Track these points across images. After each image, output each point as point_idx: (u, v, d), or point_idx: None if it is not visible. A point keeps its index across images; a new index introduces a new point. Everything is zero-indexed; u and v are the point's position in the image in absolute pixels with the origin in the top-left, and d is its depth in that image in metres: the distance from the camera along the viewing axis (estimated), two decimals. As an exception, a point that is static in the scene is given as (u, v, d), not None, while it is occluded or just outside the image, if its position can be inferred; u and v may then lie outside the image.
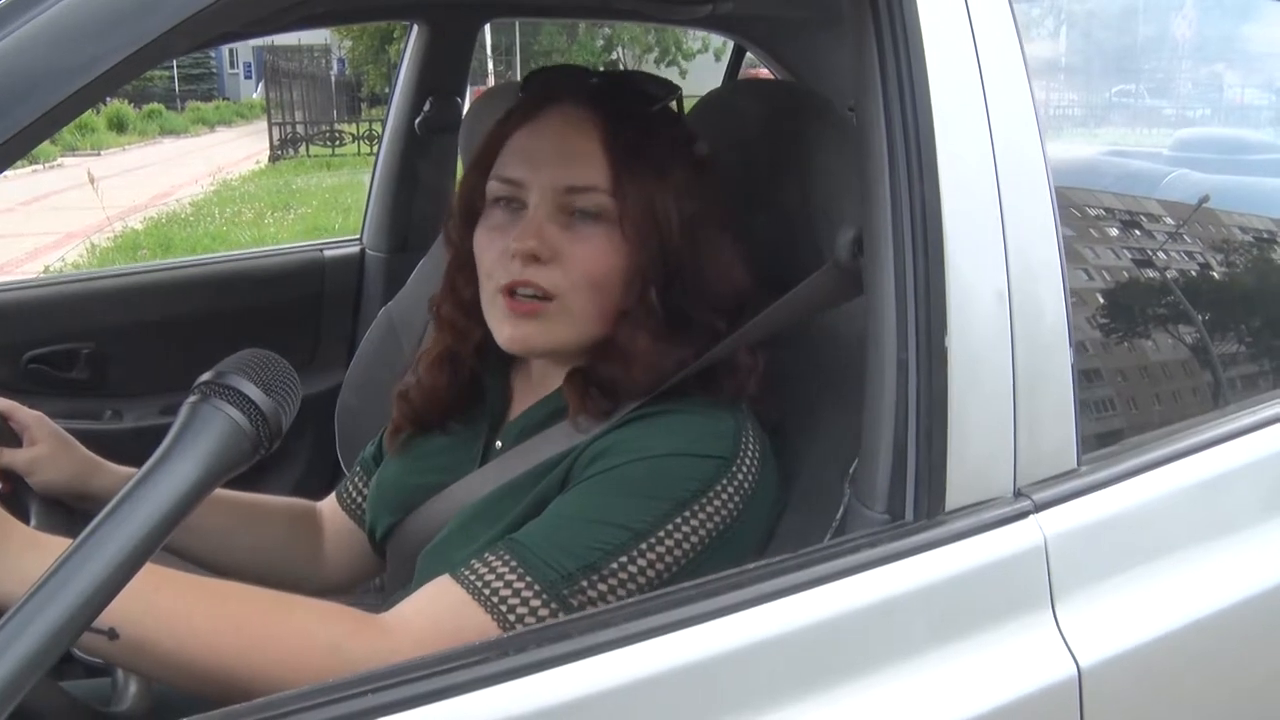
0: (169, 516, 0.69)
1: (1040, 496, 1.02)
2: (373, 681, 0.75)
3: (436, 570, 1.02)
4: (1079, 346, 1.08)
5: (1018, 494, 1.01)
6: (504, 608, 0.97)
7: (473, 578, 0.98)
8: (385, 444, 1.33)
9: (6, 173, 0.72)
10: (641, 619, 0.85)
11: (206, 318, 2.23)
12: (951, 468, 0.97)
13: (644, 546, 1.00)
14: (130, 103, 24.54)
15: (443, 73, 2.37)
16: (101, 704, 0.99)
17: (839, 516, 1.04)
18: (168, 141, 23.11)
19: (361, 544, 1.33)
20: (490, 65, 18.66)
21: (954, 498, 0.97)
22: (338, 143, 18.02)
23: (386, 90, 2.51)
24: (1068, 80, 1.67)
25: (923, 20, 0.97)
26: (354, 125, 18.70)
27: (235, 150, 19.86)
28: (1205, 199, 1.59)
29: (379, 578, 1.38)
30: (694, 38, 18.52)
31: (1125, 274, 1.37)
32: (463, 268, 1.20)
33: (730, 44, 2.76)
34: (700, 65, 17.68)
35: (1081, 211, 1.34)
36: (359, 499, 1.35)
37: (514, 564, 0.98)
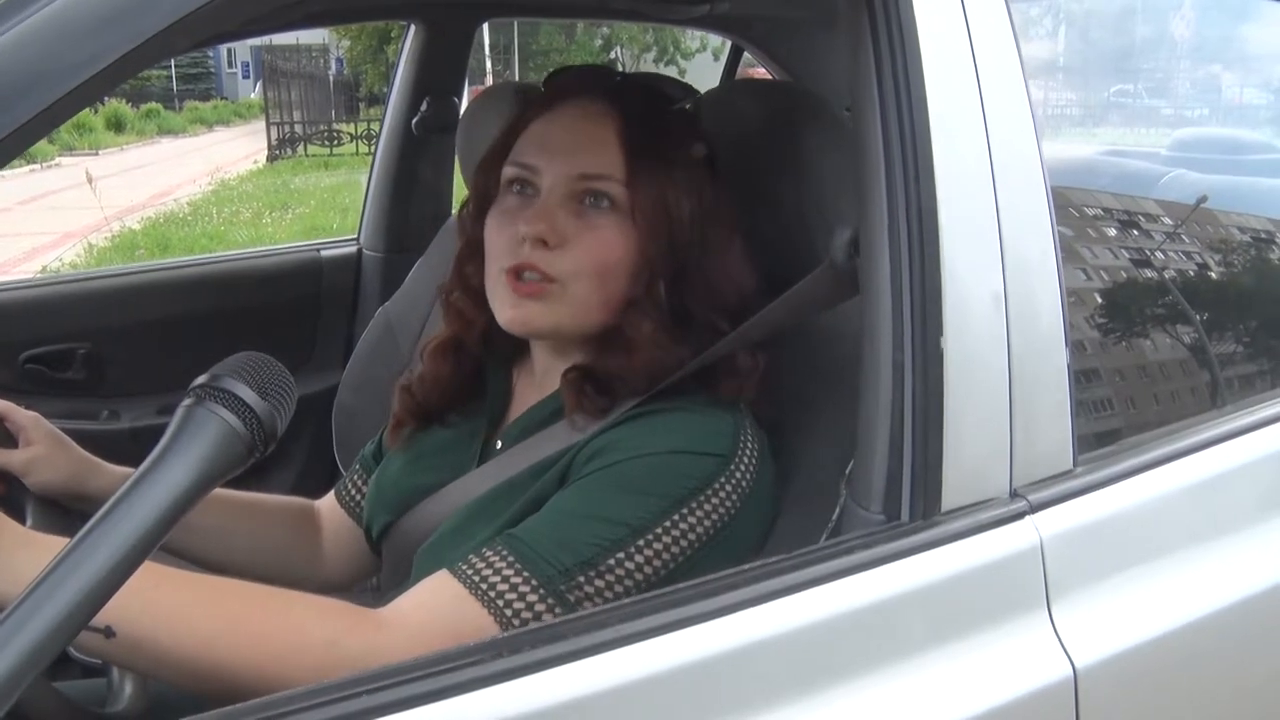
0: (163, 520, 0.69)
1: (1036, 497, 1.02)
2: (369, 682, 0.75)
3: (433, 568, 1.02)
4: (1075, 347, 1.08)
5: (1013, 495, 1.01)
6: (501, 603, 0.97)
7: (470, 573, 0.98)
8: (386, 440, 1.33)
9: (4, 172, 0.73)
10: (638, 619, 0.85)
11: (203, 318, 2.23)
12: (947, 468, 0.97)
13: (641, 543, 1.00)
14: (128, 102, 24.51)
15: (440, 72, 2.36)
16: (97, 704, 0.99)
17: (835, 517, 1.04)
18: (166, 141, 23.10)
19: (360, 542, 1.33)
20: (489, 65, 18.65)
21: (950, 498, 0.97)
22: (336, 142, 18.01)
23: (385, 90, 2.50)
24: (1065, 80, 1.68)
25: (919, 21, 0.97)
26: (352, 125, 18.70)
27: (233, 150, 19.85)
28: (1203, 199, 1.59)
29: (375, 577, 1.39)
30: (692, 37, 18.52)
31: (1121, 274, 1.38)
32: (473, 256, 1.20)
33: (728, 44, 2.76)
34: (699, 65, 17.69)
35: (1078, 212, 1.34)
36: (358, 497, 1.36)
37: (512, 559, 0.99)
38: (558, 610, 0.97)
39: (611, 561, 0.99)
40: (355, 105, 21.90)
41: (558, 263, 1.09)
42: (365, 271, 2.43)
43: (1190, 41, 1.84)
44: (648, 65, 20.36)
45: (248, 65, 35.83)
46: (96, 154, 18.41)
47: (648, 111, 1.15)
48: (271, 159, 17.40)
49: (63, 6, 0.68)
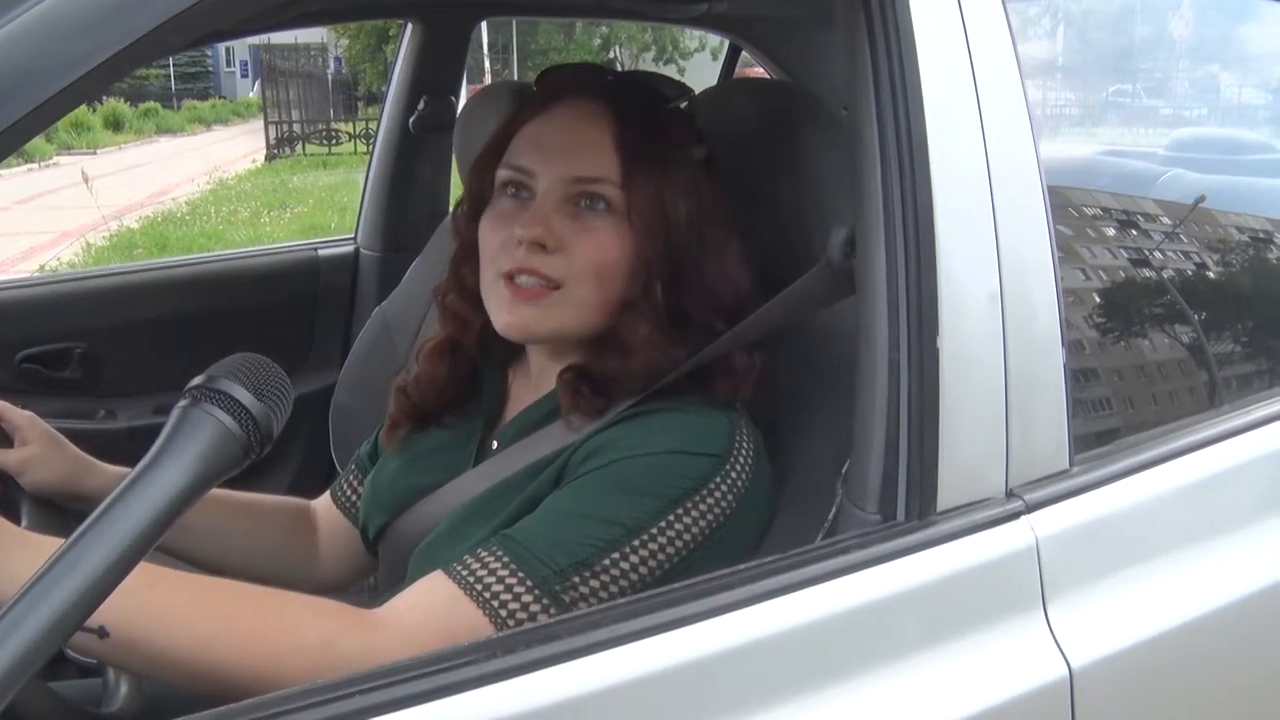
0: (158, 522, 0.69)
1: (1032, 497, 1.02)
2: (362, 682, 0.75)
3: (429, 569, 1.02)
4: (1072, 346, 1.08)
5: (1010, 494, 1.01)
6: (496, 603, 0.97)
7: (465, 573, 0.98)
8: (382, 441, 1.33)
9: (1, 171, 0.73)
10: (633, 619, 0.85)
11: (200, 317, 2.22)
12: (943, 468, 0.97)
13: (636, 543, 1.00)
14: (126, 101, 24.51)
15: (437, 71, 2.36)
16: (93, 705, 0.99)
17: (831, 516, 1.04)
18: (164, 140, 23.09)
19: (356, 543, 1.33)
20: (487, 64, 18.64)
21: (946, 498, 0.97)
22: (334, 141, 18.01)
23: (383, 89, 2.50)
24: (1063, 80, 1.67)
25: (915, 20, 0.97)
26: (350, 124, 18.69)
27: (231, 149, 19.84)
28: (1201, 199, 1.59)
29: (372, 577, 1.38)
30: (691, 36, 18.52)
31: (1119, 274, 1.37)
32: (469, 257, 1.20)
33: (727, 43, 2.76)
34: (697, 64, 17.69)
35: (1075, 211, 1.34)
36: (354, 497, 1.36)
37: (507, 559, 0.98)
38: (553, 611, 0.97)
39: (606, 562, 0.99)
40: (354, 104, 21.89)
41: (555, 266, 1.09)
42: (362, 271, 2.42)
43: (1189, 41, 1.84)
44: (646, 64, 20.35)
45: (246, 64, 35.79)
46: (94, 153, 18.40)
47: (643, 112, 1.15)
48: (270, 158, 17.40)
49: (55, 4, 0.68)
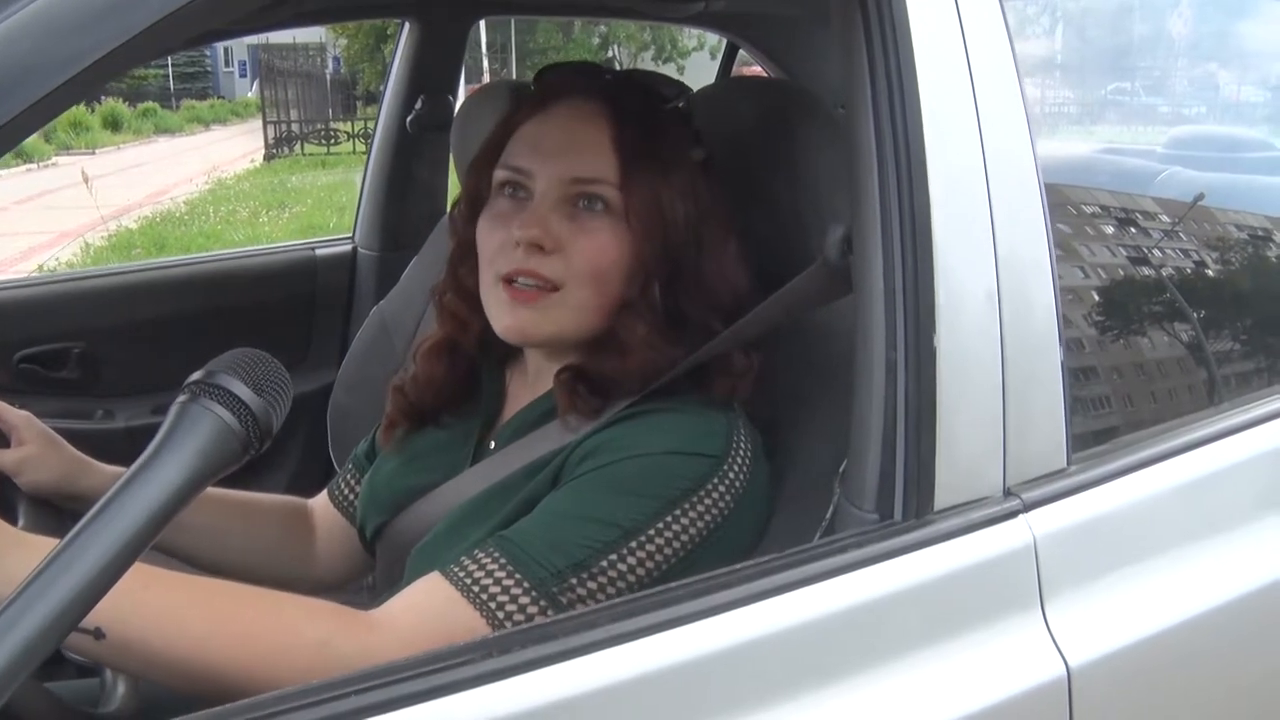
0: (157, 517, 0.69)
1: (1030, 496, 1.01)
2: (358, 682, 0.75)
3: (427, 569, 1.02)
4: (1069, 344, 1.08)
5: (1007, 493, 1.01)
6: (493, 605, 0.96)
7: (462, 575, 0.98)
8: (379, 440, 1.33)
9: (0, 171, 0.72)
10: (629, 619, 0.84)
11: (198, 317, 2.22)
12: (940, 467, 0.97)
13: (634, 545, 1.00)
14: (125, 101, 24.50)
15: (434, 71, 2.36)
16: (90, 705, 0.99)
17: (829, 515, 1.04)
18: (163, 140, 23.07)
19: (353, 542, 1.32)
20: (486, 63, 18.62)
21: (943, 497, 0.97)
22: (333, 141, 18.01)
23: (382, 88, 2.51)
24: (1061, 78, 1.67)
25: (912, 19, 0.97)
26: (349, 124, 18.69)
27: (230, 149, 19.83)
28: (1200, 196, 1.58)
29: (370, 576, 1.38)
30: (689, 35, 18.52)
31: (1116, 272, 1.37)
32: (466, 257, 1.20)
33: (725, 42, 2.76)
34: (696, 63, 17.69)
35: (1072, 209, 1.34)
36: (351, 496, 1.35)
37: (504, 561, 0.98)
38: (550, 612, 0.97)
39: (604, 563, 0.99)
40: (352, 104, 21.89)
41: (552, 268, 1.09)
42: (360, 270, 2.42)
43: (1187, 39, 1.84)
44: (645, 63, 20.35)
45: (245, 64, 35.75)
46: (93, 153, 18.39)
47: (641, 112, 1.14)
48: (268, 158, 17.39)
49: (50, 2, 0.68)
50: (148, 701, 0.98)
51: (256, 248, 2.81)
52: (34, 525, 1.17)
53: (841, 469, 1.03)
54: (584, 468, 1.05)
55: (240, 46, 32.03)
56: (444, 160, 2.38)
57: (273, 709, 0.73)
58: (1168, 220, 1.56)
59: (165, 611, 0.89)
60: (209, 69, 37.74)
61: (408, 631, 0.94)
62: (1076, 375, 1.12)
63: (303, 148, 17.86)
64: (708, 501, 1.03)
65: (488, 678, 0.77)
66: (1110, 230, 1.42)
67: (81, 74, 0.68)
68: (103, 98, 22.67)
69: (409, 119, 2.34)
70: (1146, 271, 1.45)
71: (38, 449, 1.24)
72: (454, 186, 1.95)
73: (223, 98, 34.45)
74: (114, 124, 22.66)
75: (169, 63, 31.30)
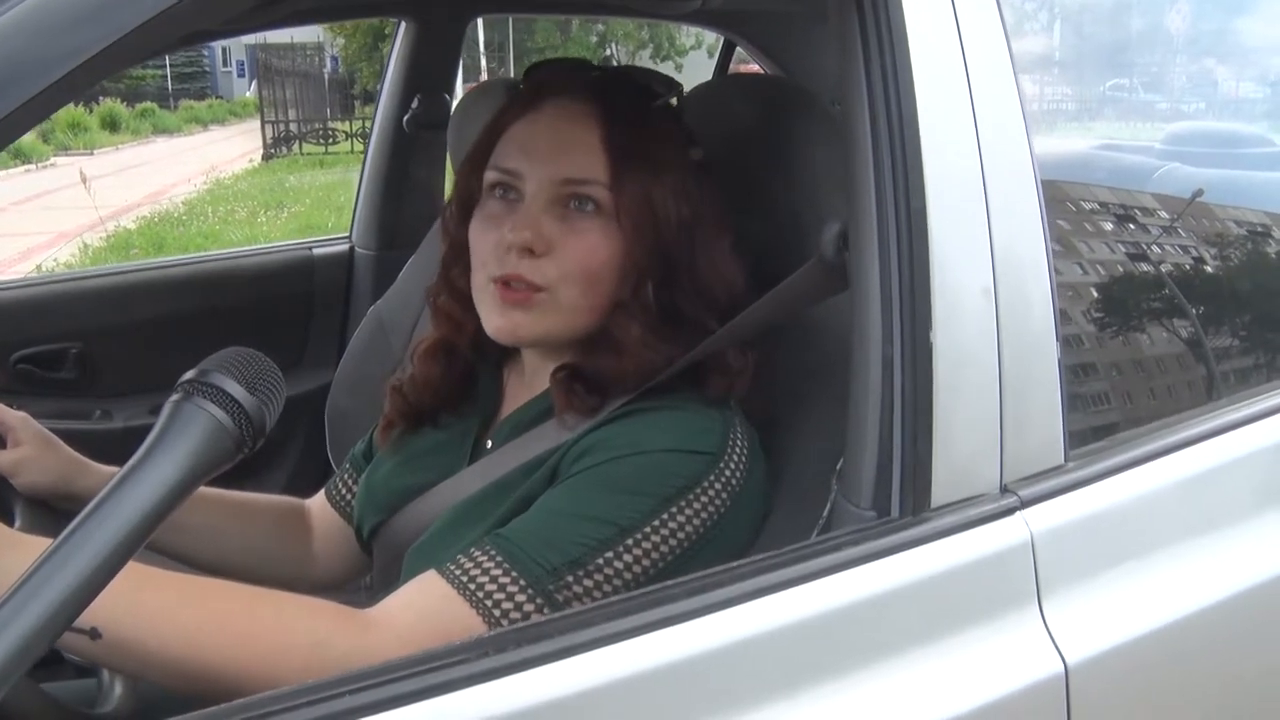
0: (151, 515, 0.69)
1: (1027, 493, 1.01)
2: (352, 682, 0.75)
3: (423, 568, 1.02)
4: (1066, 341, 1.08)
5: (1004, 490, 1.01)
6: (489, 603, 0.96)
7: (458, 573, 0.98)
8: (376, 440, 1.32)
9: (-1, 172, 0.72)
10: (625, 617, 0.84)
11: (195, 316, 2.22)
12: (937, 464, 0.96)
13: (630, 542, 1.00)
14: (123, 102, 24.50)
15: (431, 69, 2.36)
16: (87, 705, 0.99)
17: (826, 513, 1.03)
18: (161, 140, 23.08)
19: (351, 542, 1.32)
20: (484, 62, 18.62)
21: (940, 494, 0.97)
22: (331, 141, 18.02)
23: (379, 88, 2.51)
24: (1058, 74, 1.67)
25: (907, 15, 0.97)
26: (347, 123, 18.69)
27: (228, 149, 19.84)
28: (1199, 193, 1.58)
29: (369, 576, 1.38)
30: (687, 33, 18.51)
31: (1114, 268, 1.37)
32: (459, 259, 1.19)
33: (723, 40, 2.76)
34: (694, 61, 17.68)
35: (1070, 206, 1.33)
36: (348, 496, 1.35)
37: (500, 559, 0.98)
38: (546, 610, 0.96)
39: (600, 561, 0.98)
40: (350, 103, 21.88)
41: (545, 270, 1.08)
42: (357, 269, 2.42)
43: (1185, 35, 1.83)
44: (643, 61, 20.34)
45: (243, 64, 35.73)
46: (91, 154, 18.40)
47: (631, 110, 1.13)
48: (266, 158, 17.39)
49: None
50: (145, 702, 0.98)
51: (253, 247, 2.81)
52: (31, 526, 1.17)
53: (838, 466, 1.03)
54: (580, 466, 1.04)
55: (238, 46, 32.05)
56: (441, 159, 2.38)
57: (267, 709, 0.73)
58: (1166, 216, 1.56)
59: (161, 611, 0.89)
60: (207, 69, 37.76)
61: (404, 630, 0.94)
62: (1073, 372, 1.12)
63: (301, 147, 17.86)
64: (704, 499, 1.03)
65: (483, 676, 0.77)
66: (1108, 226, 1.42)
67: (75, 71, 0.68)
68: (101, 98, 22.70)
69: (405, 118, 2.34)
70: (1144, 267, 1.45)
71: (34, 450, 1.24)
72: (451, 185, 1.95)
73: (221, 98, 34.46)
74: (112, 124, 22.66)
75: (167, 63, 31.33)
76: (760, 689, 0.87)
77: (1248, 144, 2.01)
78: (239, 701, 0.75)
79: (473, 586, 0.97)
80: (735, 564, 0.92)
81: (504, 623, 0.96)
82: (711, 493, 1.03)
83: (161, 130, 24.55)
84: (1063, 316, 1.06)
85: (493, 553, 0.99)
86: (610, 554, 0.99)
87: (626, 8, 2.74)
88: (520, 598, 0.96)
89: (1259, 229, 1.70)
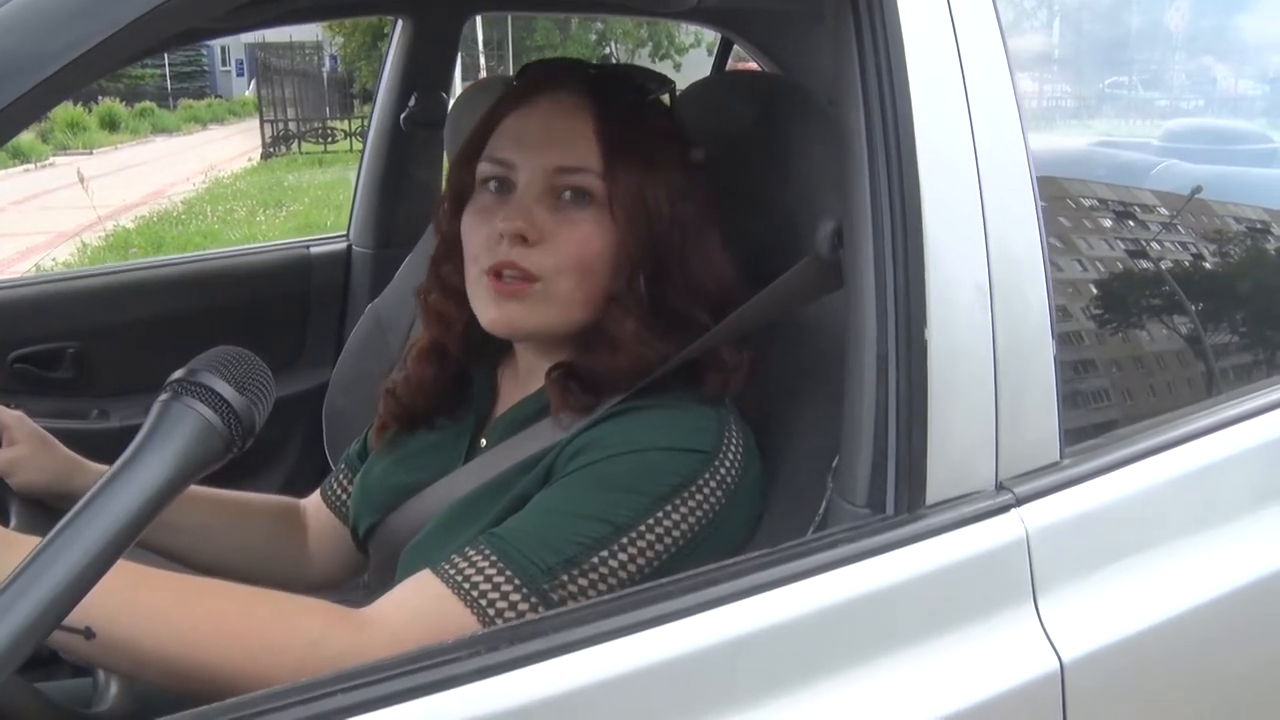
0: (140, 515, 0.69)
1: (1022, 490, 1.01)
2: (345, 680, 0.75)
3: (419, 567, 1.01)
4: (1062, 338, 1.08)
5: (999, 487, 1.01)
6: (484, 602, 0.96)
7: (453, 572, 0.98)
8: (371, 441, 1.32)
9: (-2, 172, 0.72)
10: (620, 615, 0.84)
11: (193, 316, 2.22)
12: (932, 461, 0.96)
13: (625, 541, 0.99)
14: (122, 101, 24.52)
15: (428, 68, 2.36)
16: (83, 705, 0.99)
17: (821, 511, 1.03)
18: (160, 139, 23.08)
19: (347, 541, 1.32)
20: (482, 61, 18.61)
21: (935, 491, 0.97)
22: (330, 139, 18.01)
23: (376, 86, 2.51)
24: (1056, 72, 1.67)
25: (902, 13, 0.97)
26: (346, 122, 18.68)
27: (227, 148, 19.84)
28: (1198, 189, 1.58)
29: (365, 576, 1.38)
30: (686, 32, 18.50)
31: (1110, 265, 1.37)
32: (450, 255, 1.19)
33: (720, 38, 2.76)
34: (693, 60, 17.68)
35: (1068, 202, 1.33)
36: (344, 496, 1.35)
37: (494, 558, 0.98)
38: (541, 609, 0.96)
39: (595, 560, 0.98)
40: (349, 102, 21.87)
41: (538, 259, 1.08)
42: (355, 268, 2.42)
43: (1184, 32, 1.83)
44: (642, 60, 20.34)
45: (242, 63, 35.73)
46: (90, 153, 18.41)
47: (624, 104, 1.14)
48: (265, 157, 17.39)
49: (36, -5, 0.68)
50: (141, 701, 0.98)
51: (251, 246, 2.81)
52: (26, 526, 1.17)
53: (833, 464, 1.03)
54: (575, 464, 1.04)
55: (237, 45, 32.06)
56: (438, 157, 2.38)
57: (260, 707, 0.73)
58: (1164, 213, 1.56)
59: (155, 610, 0.89)
60: (206, 68, 37.75)
61: (399, 629, 0.94)
62: (1069, 368, 1.12)
63: (300, 146, 17.86)
64: (699, 497, 1.03)
65: (477, 675, 0.77)
66: (1105, 223, 1.42)
67: (70, 67, 0.68)
68: (100, 97, 22.72)
69: (403, 116, 2.33)
70: (1141, 264, 1.45)
71: (30, 449, 1.24)
72: (447, 183, 1.95)
73: (220, 97, 34.47)
74: (111, 124, 22.67)
75: (166, 62, 31.34)
76: (755, 686, 0.87)
77: (1246, 140, 2.01)
78: (232, 700, 0.75)
79: (467, 586, 0.97)
80: (730, 561, 0.92)
81: (499, 622, 0.96)
82: (706, 491, 1.03)
83: (160, 129, 24.56)
84: (1058, 313, 1.06)
85: (487, 552, 0.98)
86: (605, 553, 0.99)
87: (624, 5, 2.73)
88: (515, 597, 0.96)
89: (1256, 225, 1.70)
